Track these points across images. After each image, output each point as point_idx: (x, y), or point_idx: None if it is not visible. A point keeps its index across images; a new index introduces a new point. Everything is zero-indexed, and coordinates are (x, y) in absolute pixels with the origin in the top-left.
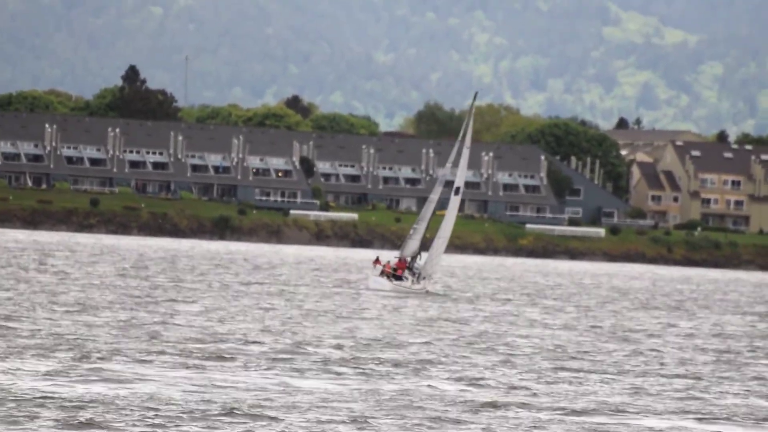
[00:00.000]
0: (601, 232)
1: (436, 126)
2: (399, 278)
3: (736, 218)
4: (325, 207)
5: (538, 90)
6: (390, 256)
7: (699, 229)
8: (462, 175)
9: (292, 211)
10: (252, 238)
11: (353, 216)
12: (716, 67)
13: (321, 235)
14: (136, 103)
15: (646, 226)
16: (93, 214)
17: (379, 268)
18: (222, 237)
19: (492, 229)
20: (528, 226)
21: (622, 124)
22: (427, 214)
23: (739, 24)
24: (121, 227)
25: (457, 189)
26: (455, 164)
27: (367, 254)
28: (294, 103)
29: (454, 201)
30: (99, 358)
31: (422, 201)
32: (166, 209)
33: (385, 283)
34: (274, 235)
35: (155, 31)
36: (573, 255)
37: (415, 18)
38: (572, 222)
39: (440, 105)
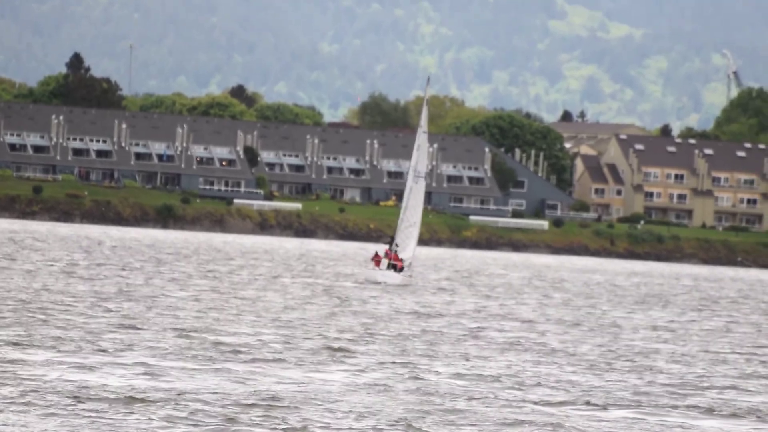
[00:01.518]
0: (545, 224)
1: (381, 117)
2: (402, 270)
3: (679, 212)
4: (269, 196)
5: (483, 82)
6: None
7: (642, 222)
8: (423, 161)
9: (235, 201)
10: (195, 227)
11: (297, 206)
12: (661, 62)
13: (265, 225)
14: (80, 90)
15: (589, 219)
16: (36, 201)
17: (385, 262)
18: (165, 226)
19: (436, 221)
20: (472, 217)
21: (566, 117)
22: (407, 203)
23: (684, 19)
24: (64, 215)
25: (426, 175)
26: (419, 151)
27: (318, 245)
28: (238, 92)
29: (420, 186)
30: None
31: (366, 191)
32: (110, 197)
33: (395, 276)
34: (218, 224)
35: (100, 19)
36: (516, 247)
37: (361, 9)
38: (516, 214)
39: (384, 96)
